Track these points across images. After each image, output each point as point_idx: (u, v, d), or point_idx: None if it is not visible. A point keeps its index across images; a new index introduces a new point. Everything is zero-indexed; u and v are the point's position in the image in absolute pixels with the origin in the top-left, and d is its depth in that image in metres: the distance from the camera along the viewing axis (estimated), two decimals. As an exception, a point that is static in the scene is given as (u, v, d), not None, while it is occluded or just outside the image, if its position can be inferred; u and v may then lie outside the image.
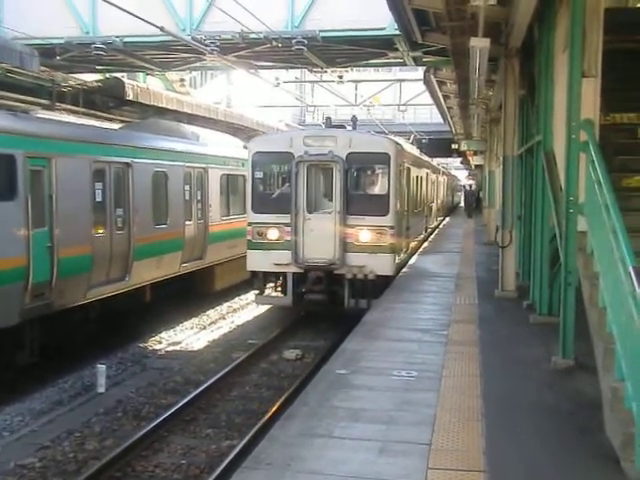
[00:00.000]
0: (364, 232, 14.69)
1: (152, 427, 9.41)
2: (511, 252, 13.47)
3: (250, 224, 15.29)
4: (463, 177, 76.78)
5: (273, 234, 14.95)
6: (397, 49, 17.56)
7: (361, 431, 6.24)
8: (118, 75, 21.78)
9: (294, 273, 14.90)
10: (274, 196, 15.32)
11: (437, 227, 33.14)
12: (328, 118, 16.67)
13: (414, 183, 19.64)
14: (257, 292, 15.61)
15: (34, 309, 11.31)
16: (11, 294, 10.77)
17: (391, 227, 14.82)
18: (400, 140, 19.47)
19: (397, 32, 14.89)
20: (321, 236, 14.72)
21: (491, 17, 10.19)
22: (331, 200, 14.96)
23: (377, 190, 15.38)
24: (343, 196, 14.70)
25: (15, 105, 13.47)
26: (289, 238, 14.79)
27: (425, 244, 24.06)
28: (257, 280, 15.45)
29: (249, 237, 15.24)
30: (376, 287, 14.37)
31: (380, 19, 15.71)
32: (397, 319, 11.16)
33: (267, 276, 15.41)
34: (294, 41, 16.36)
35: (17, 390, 11.13)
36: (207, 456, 8.80)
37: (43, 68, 17.31)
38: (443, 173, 40.59)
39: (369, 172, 15.62)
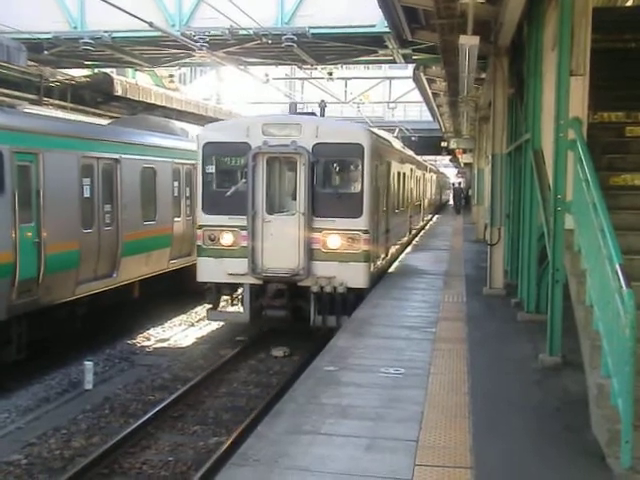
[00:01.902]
0: (333, 237, 12.73)
1: (140, 424, 9.38)
2: (499, 250, 13.51)
3: (200, 227, 13.28)
4: (452, 175, 76.97)
5: (227, 239, 13.01)
6: (387, 46, 17.58)
7: (349, 428, 6.24)
8: (107, 70, 21.69)
9: (252, 285, 12.99)
10: (228, 194, 13.01)
11: (423, 227, 31.30)
12: (293, 104, 14.33)
13: (395, 180, 17.67)
14: (210, 306, 13.74)
15: (21, 305, 11.25)
16: (-2, 290, 10.70)
17: (365, 231, 12.81)
18: (381, 132, 18.00)
19: (387, 29, 14.91)
20: (283, 242, 12.78)
21: (480, 15, 10.21)
22: (295, 199, 12.97)
23: (349, 188, 13.31)
24: (308, 195, 12.67)
25: (2, 100, 13.38)
26: (246, 244, 12.87)
27: (409, 249, 21.82)
28: (209, 293, 13.43)
29: (199, 242, 13.28)
30: (347, 302, 12.55)
31: (370, 16, 15.73)
32: (385, 316, 11.17)
33: (221, 288, 13.48)
34: (284, 37, 16.35)
35: (3, 387, 11.08)
36: (195, 453, 8.78)
37: (31, 63, 17.22)
38: (430, 170, 38.43)
39: (339, 166, 13.52)
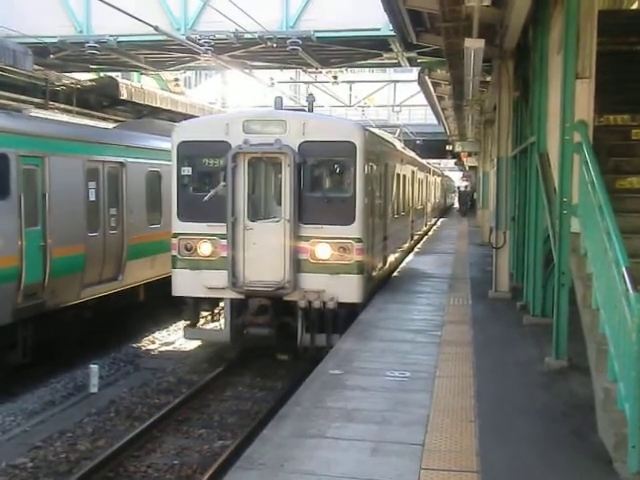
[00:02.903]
0: (322, 246, 11.46)
1: (145, 427, 9.39)
2: (505, 253, 13.49)
3: (175, 235, 11.95)
4: (457, 178, 76.93)
5: (205, 249, 11.74)
6: (392, 50, 17.59)
7: (354, 431, 6.23)
8: (112, 74, 21.75)
9: (232, 300, 11.76)
10: (206, 199, 11.66)
11: (427, 232, 30.20)
12: (278, 97, 12.82)
13: (394, 182, 16.37)
14: (187, 323, 12.44)
15: (27, 309, 11.27)
16: (4, 293, 10.72)
17: (358, 239, 11.51)
18: (378, 131, 16.86)
19: (392, 33, 14.91)
20: (266, 251, 11.52)
21: (485, 18, 10.21)
22: (280, 204, 11.69)
23: (340, 191, 11.93)
24: (294, 199, 11.40)
25: (8, 104, 13.43)
26: (225, 254, 11.63)
27: (410, 256, 20.56)
28: (186, 309, 12.24)
29: (174, 252, 11.95)
30: (338, 319, 11.32)
31: (375, 20, 15.74)
32: (391, 319, 11.15)
33: (199, 303, 12.21)
34: (289, 41, 16.37)
35: (9, 390, 11.09)
36: (200, 456, 8.77)
37: (37, 67, 17.26)
38: (434, 173, 37.20)
39: (329, 167, 12.16)
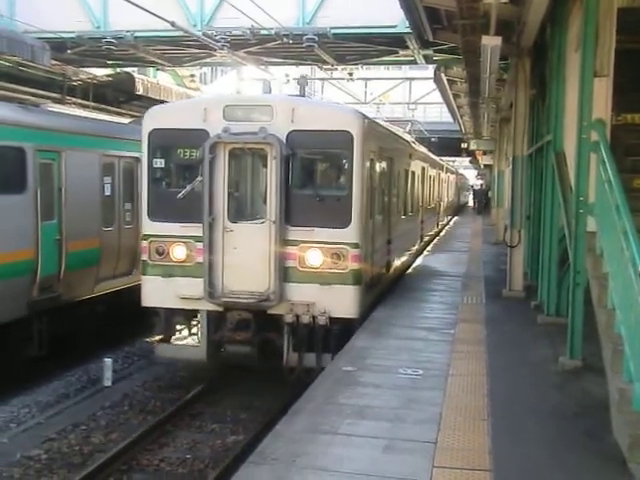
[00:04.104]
0: (313, 252, 10.00)
1: (158, 421, 9.44)
2: (519, 252, 13.43)
3: (146, 237, 10.58)
4: (472, 177, 76.66)
5: (179, 253, 10.35)
6: (408, 47, 17.53)
7: (367, 428, 6.23)
8: (128, 70, 21.83)
9: (209, 312, 10.34)
10: (180, 196, 10.24)
11: (439, 233, 28.49)
12: (266, 81, 11.45)
13: (401, 179, 14.92)
14: (159, 338, 10.85)
15: (42, 302, 11.36)
16: (19, 287, 10.82)
17: (354, 245, 10.01)
18: (381, 121, 15.40)
19: (408, 30, 14.87)
20: (248, 257, 10.12)
21: (503, 15, 10.16)
22: (264, 203, 10.26)
23: (334, 189, 10.51)
24: (281, 197, 9.96)
25: (26, 98, 13.50)
26: (202, 259, 10.23)
27: (419, 260, 18.91)
28: (158, 321, 10.74)
29: (144, 256, 10.60)
30: (330, 336, 9.97)
31: (391, 17, 15.70)
32: (404, 317, 11.13)
33: (173, 315, 10.74)
34: (305, 38, 16.35)
35: (24, 382, 11.18)
36: (212, 451, 8.82)
37: (54, 62, 17.35)
38: (447, 170, 35.45)
39: (322, 161, 10.78)
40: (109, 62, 21.64)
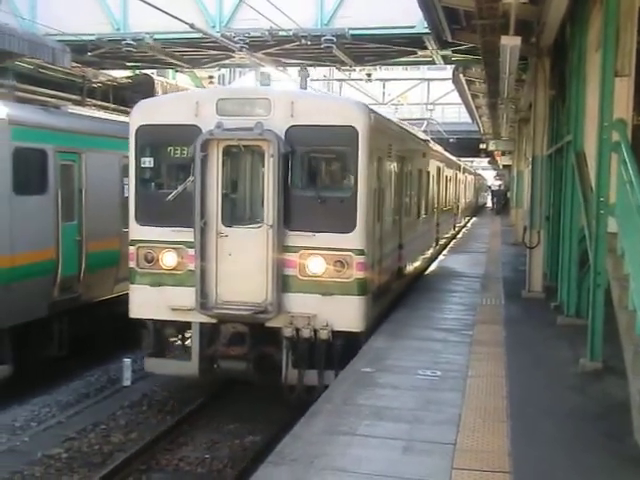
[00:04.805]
0: (314, 259, 9.22)
1: (176, 421, 9.49)
2: (539, 253, 13.36)
3: (133, 243, 9.86)
4: (490, 177, 76.30)
5: (169, 260, 9.61)
6: (426, 47, 17.45)
7: (385, 429, 6.22)
8: (147, 72, 21.95)
9: (202, 324, 9.58)
10: (170, 198, 9.49)
11: (456, 235, 27.78)
12: (265, 73, 10.44)
13: (414, 179, 14.07)
14: (148, 352, 10.13)
15: (62, 302, 11.46)
16: (41, 287, 10.92)
17: (359, 251, 9.20)
18: (389, 116, 14.44)
19: (427, 30, 14.81)
20: (244, 265, 9.36)
21: (523, 15, 10.12)
22: (261, 205, 9.47)
23: (337, 190, 9.70)
24: (279, 199, 9.16)
25: (47, 100, 13.64)
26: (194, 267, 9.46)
27: (433, 266, 17.98)
28: (147, 334, 10.00)
29: (132, 264, 9.86)
30: (333, 351, 9.21)
31: (410, 17, 15.62)
32: (422, 318, 11.11)
33: (163, 327, 9.92)
34: (323, 39, 16.30)
35: (45, 382, 11.28)
36: (230, 451, 8.85)
37: (74, 64, 17.49)
38: (465, 170, 34.41)
39: (324, 159, 9.98)
40: (128, 64, 21.74)
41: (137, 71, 22.17)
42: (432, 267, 17.69)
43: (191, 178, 9.40)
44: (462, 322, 10.86)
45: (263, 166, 9.37)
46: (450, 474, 5.29)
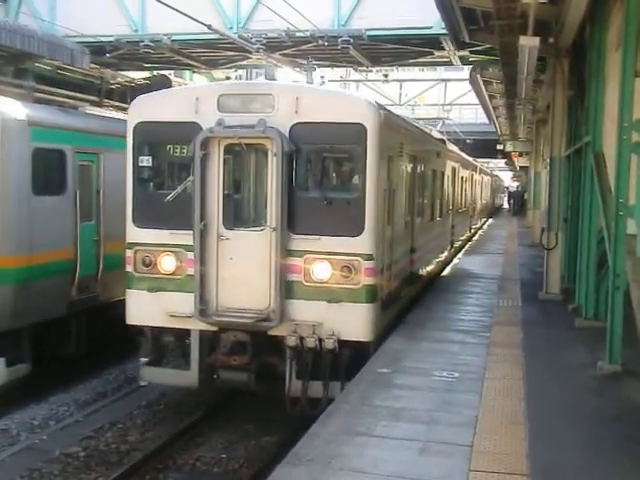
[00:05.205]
0: (320, 264, 8.71)
1: (193, 421, 9.52)
2: (556, 254, 13.29)
3: (130, 246, 9.38)
4: (507, 178, 75.96)
5: (168, 264, 9.16)
6: (443, 48, 17.41)
7: (402, 430, 6.21)
8: (165, 73, 22.06)
9: (202, 332, 9.12)
10: (170, 199, 9.04)
11: (471, 238, 26.91)
12: (270, 67, 9.94)
13: (427, 180, 13.55)
14: (145, 361, 9.70)
15: (80, 302, 11.54)
16: (60, 286, 11.00)
17: (368, 256, 8.68)
18: (401, 113, 13.87)
19: (444, 31, 14.76)
20: (246, 270, 8.90)
21: (541, 15, 10.07)
22: (264, 207, 9.00)
23: (344, 191, 9.19)
24: (283, 200, 8.69)
25: (65, 101, 13.75)
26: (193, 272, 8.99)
27: (447, 270, 17.47)
28: (144, 341, 9.61)
29: (129, 267, 9.38)
30: (340, 362, 8.69)
31: (427, 18, 15.59)
32: (439, 320, 11.07)
33: (162, 334, 9.46)
34: (340, 40, 16.31)
35: (63, 381, 11.36)
36: (247, 451, 8.86)
37: (93, 65, 17.62)
38: (481, 171, 33.80)
39: (330, 158, 9.34)
40: (146, 65, 21.87)
41: (154, 72, 22.29)
42: (447, 270, 17.50)
43: (191, 178, 8.95)
44: (479, 324, 10.81)
45: (266, 166, 8.91)
46: (467, 476, 5.27)
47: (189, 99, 9.12)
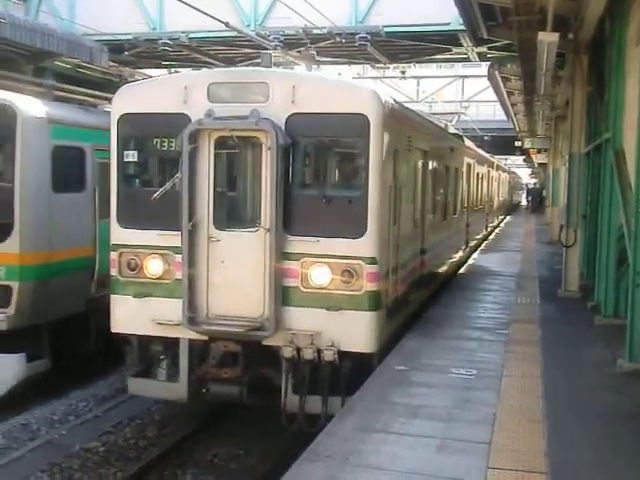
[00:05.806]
0: (319, 269, 7.99)
1: (210, 417, 9.56)
2: (575, 251, 13.21)
3: (115, 248, 8.74)
4: (525, 175, 75.51)
5: (155, 267, 8.48)
6: (461, 44, 17.35)
7: (420, 428, 6.20)
8: (182, 70, 22.15)
9: (192, 341, 8.42)
10: (156, 197, 8.28)
11: (488, 237, 26.06)
12: (267, 54, 9.20)
13: (440, 177, 12.69)
14: (131, 372, 9.23)
15: (99, 298, 11.59)
16: (80, 282, 11.10)
17: (371, 260, 7.96)
18: (408, 104, 13.08)
19: (462, 27, 14.73)
20: (238, 274, 8.20)
21: (560, 11, 10.00)
22: (259, 206, 8.23)
23: (345, 188, 8.53)
24: (278, 199, 7.95)
25: (84, 99, 13.84)
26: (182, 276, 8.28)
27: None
28: (130, 351, 8.97)
29: (113, 271, 8.75)
30: (340, 375, 8.00)
31: (445, 14, 15.55)
32: (457, 317, 11.04)
33: (149, 343, 8.72)
34: (357, 37, 16.30)
35: (82, 377, 11.46)
36: (263, 447, 8.89)
37: (111, 63, 17.73)
38: (499, 167, 33.03)
39: (330, 152, 8.56)
40: (164, 63, 21.98)
41: (173, 70, 22.39)
42: (464, 268, 17.22)
43: (179, 174, 8.21)
44: (497, 321, 10.77)
45: (260, 161, 8.14)
46: (485, 473, 5.26)
47: (177, 88, 8.34)
